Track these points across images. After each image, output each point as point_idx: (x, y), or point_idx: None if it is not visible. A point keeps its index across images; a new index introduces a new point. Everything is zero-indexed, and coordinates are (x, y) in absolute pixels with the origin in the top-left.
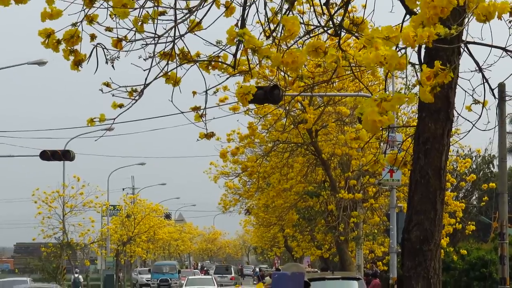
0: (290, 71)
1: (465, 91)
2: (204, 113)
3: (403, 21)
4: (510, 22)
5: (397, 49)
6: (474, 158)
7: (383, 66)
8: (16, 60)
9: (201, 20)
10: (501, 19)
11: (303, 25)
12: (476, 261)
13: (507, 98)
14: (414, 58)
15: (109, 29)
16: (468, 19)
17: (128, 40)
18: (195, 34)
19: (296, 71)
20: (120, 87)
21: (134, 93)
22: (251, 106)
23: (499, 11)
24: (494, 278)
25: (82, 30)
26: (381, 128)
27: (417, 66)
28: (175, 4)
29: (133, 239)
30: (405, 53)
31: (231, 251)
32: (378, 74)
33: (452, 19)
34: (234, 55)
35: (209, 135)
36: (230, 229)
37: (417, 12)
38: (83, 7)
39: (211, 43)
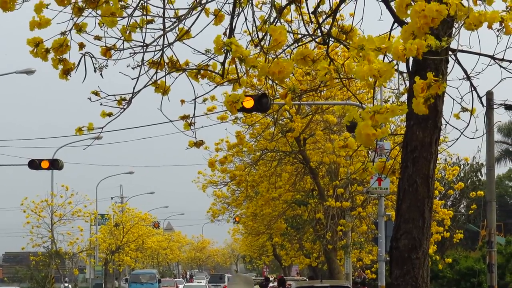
0: (277, 80)
1: (453, 99)
2: (193, 121)
3: (391, 29)
4: (498, 30)
5: (388, 61)
6: (462, 166)
7: (376, 79)
8: (4, 69)
9: (189, 28)
10: (491, 29)
11: (291, 34)
12: (466, 271)
13: (495, 106)
14: (402, 66)
15: (98, 37)
16: (459, 28)
17: (116, 49)
18: (183, 42)
19: (283, 81)
20: (108, 95)
21: (122, 102)
22: (239, 115)
23: (489, 20)
24: (483, 287)
25: (71, 39)
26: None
27: (405, 74)
28: (163, 13)
29: (122, 248)
30: (396, 64)
31: (220, 259)
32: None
33: (440, 28)
34: (222, 64)
35: (198, 144)
36: (219, 237)
37: (406, 21)
38: (71, 16)
39: (200, 52)
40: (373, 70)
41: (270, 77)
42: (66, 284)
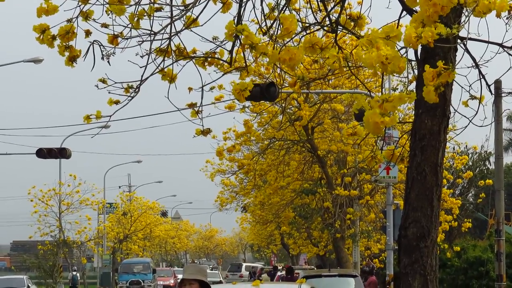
0: (287, 68)
1: (462, 87)
2: (200, 109)
3: (400, 17)
4: (507, 18)
5: (399, 49)
6: (470, 155)
7: (384, 66)
8: (11, 58)
9: (197, 16)
10: (499, 17)
11: (299, 22)
12: (473, 260)
13: (503, 94)
14: (410, 54)
15: (105, 25)
16: (468, 16)
17: (124, 37)
18: (191, 30)
19: (293, 68)
20: (115, 83)
21: (130, 89)
22: (247, 103)
23: (498, 9)
24: (491, 276)
25: (78, 26)
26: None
27: (413, 63)
28: (171, 1)
29: (130, 237)
30: (406, 52)
31: (228, 248)
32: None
33: (450, 15)
34: (230, 52)
35: (205, 132)
36: (227, 226)
37: (414, 9)
38: (78, 3)
39: (207, 40)
40: (381, 57)
41: (280, 64)
42: (75, 273)
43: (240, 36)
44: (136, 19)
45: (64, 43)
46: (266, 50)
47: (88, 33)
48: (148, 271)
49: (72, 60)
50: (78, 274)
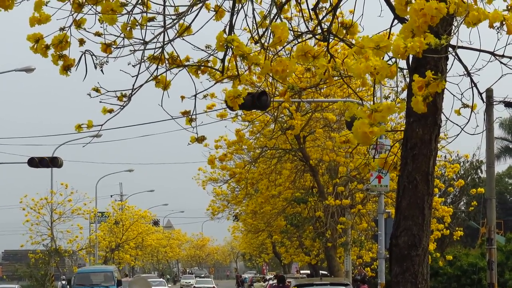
0: (279, 79)
1: (454, 95)
2: (194, 117)
3: (391, 26)
4: (498, 28)
5: (388, 59)
6: (462, 164)
7: (373, 76)
8: (2, 67)
9: (190, 24)
10: (492, 28)
11: (291, 31)
12: (467, 268)
13: (495, 103)
14: (401, 63)
15: (98, 33)
16: (458, 25)
17: (117, 46)
18: (183, 39)
19: (285, 79)
20: (108, 91)
21: (124, 98)
22: (239, 112)
23: (491, 20)
24: (483, 284)
25: (71, 35)
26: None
27: (405, 71)
28: (164, 10)
29: (122, 246)
30: (395, 62)
31: (220, 257)
32: (367, 82)
33: (440, 25)
34: (222, 61)
35: (200, 139)
36: (219, 235)
37: (405, 18)
38: (71, 12)
39: (200, 48)
40: (369, 68)
41: (272, 75)
42: (64, 282)
43: (231, 46)
44: (128, 28)
45: (58, 52)
46: (258, 60)
47: (82, 42)
48: (111, 283)
49: (66, 69)
50: (67, 284)
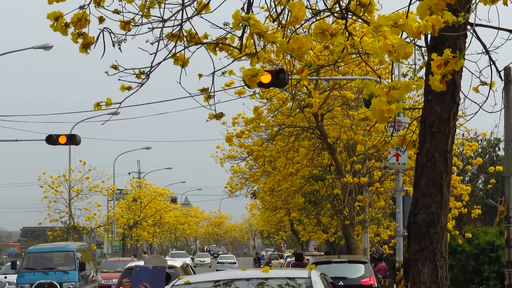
0: (296, 56)
1: (472, 73)
2: (212, 94)
3: (410, 4)
4: None
5: (406, 36)
6: (480, 142)
7: (391, 54)
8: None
9: (208, 2)
10: (506, 5)
11: (309, 9)
12: (485, 246)
13: None
14: (421, 41)
15: (117, 11)
16: (476, 3)
17: (135, 24)
18: (201, 16)
19: (302, 57)
20: (126, 69)
21: (142, 75)
22: (257, 89)
23: None
24: (502, 262)
25: (90, 13)
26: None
27: (423, 49)
28: None
29: (140, 223)
30: (413, 41)
31: (237, 235)
32: (385, 60)
33: (458, 2)
34: (240, 38)
35: (218, 116)
36: (236, 213)
37: None
38: None
39: (218, 26)
40: (387, 46)
41: (289, 53)
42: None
43: (247, 25)
44: (147, 7)
45: (77, 30)
46: (274, 38)
47: (101, 19)
48: (71, 267)
49: (85, 47)
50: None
